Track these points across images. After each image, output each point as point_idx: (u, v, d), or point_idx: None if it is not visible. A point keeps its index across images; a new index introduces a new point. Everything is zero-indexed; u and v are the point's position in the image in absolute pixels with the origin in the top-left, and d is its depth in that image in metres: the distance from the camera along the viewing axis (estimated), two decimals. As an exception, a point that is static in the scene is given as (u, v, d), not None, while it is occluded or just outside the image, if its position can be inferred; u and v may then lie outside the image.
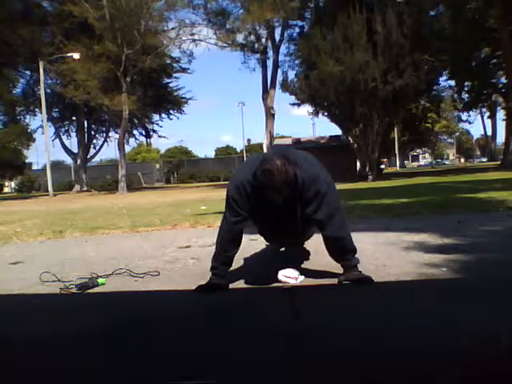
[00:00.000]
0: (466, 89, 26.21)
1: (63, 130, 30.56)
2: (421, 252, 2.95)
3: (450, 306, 1.84)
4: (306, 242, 2.93)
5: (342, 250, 2.26)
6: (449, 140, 72.59)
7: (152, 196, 16.87)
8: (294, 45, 24.14)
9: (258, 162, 2.14)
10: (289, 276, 2.35)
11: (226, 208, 2.31)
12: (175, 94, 30.08)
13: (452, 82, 26.66)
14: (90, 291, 2.48)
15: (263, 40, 25.36)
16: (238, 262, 2.56)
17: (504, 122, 24.44)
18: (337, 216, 2.22)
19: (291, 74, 36.18)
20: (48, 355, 1.58)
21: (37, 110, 28.00)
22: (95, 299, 2.39)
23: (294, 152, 2.30)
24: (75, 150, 30.45)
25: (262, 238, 2.90)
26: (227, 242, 2.28)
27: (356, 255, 2.28)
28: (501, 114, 35.03)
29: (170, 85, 30.09)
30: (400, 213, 5.25)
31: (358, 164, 22.38)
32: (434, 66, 19.01)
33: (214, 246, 2.34)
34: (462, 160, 63.35)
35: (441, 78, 24.21)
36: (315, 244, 2.81)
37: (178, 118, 31.76)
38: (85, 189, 28.95)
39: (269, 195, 2.08)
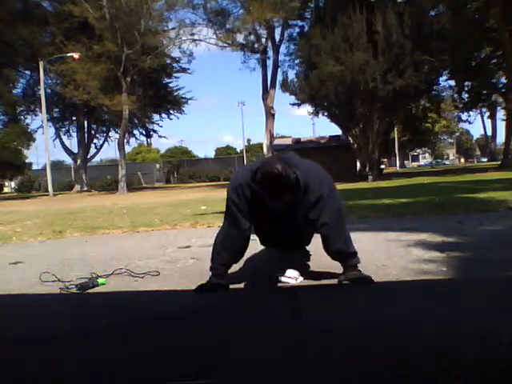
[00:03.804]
0: (466, 89, 26.20)
1: (63, 130, 30.59)
2: (421, 252, 2.95)
3: (450, 305, 1.84)
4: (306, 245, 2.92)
5: (342, 252, 2.26)
6: (449, 140, 72.61)
7: (152, 196, 16.87)
8: (293, 45, 24.12)
9: (258, 164, 2.13)
10: (289, 276, 2.35)
11: (225, 210, 2.31)
12: (175, 94, 30.06)
13: (452, 82, 26.65)
14: (90, 291, 2.48)
15: (263, 40, 25.37)
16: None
17: (504, 122, 24.48)
18: (338, 219, 2.22)
19: (291, 74, 36.24)
20: (48, 355, 1.58)
21: (37, 109, 27.98)
22: (95, 299, 2.39)
23: (296, 157, 2.29)
24: (75, 150, 30.45)
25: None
26: (226, 244, 2.28)
27: (356, 256, 2.28)
28: (501, 114, 35.13)
29: (170, 85, 30.10)
30: (400, 213, 5.25)
31: (358, 164, 22.37)
32: (434, 65, 18.99)
33: (212, 246, 2.34)
34: (462, 160, 63.33)
35: (441, 78, 24.18)
36: (315, 244, 2.80)
37: (178, 118, 31.81)
38: (85, 189, 28.95)
39: (269, 199, 2.07)
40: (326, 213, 2.18)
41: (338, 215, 2.23)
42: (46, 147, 24.42)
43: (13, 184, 41.63)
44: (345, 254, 2.25)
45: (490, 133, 45.93)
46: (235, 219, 2.23)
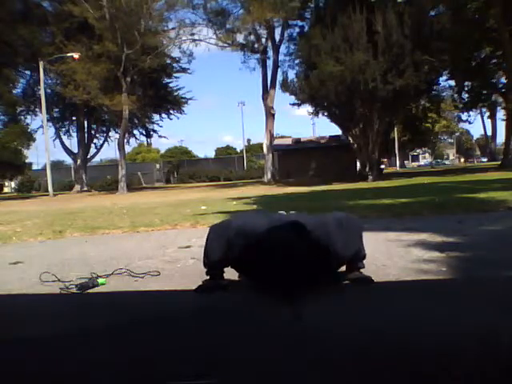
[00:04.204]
0: (466, 89, 26.21)
1: (63, 130, 30.59)
2: (421, 252, 2.95)
3: (450, 305, 1.84)
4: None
5: (355, 261, 2.28)
6: (449, 140, 72.59)
7: (152, 196, 16.87)
8: (293, 45, 24.12)
9: (268, 228, 2.04)
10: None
11: (215, 230, 2.27)
12: (175, 94, 30.06)
13: (452, 82, 26.67)
14: (90, 291, 2.48)
15: (263, 40, 25.33)
16: (238, 261, 2.56)
17: (504, 122, 24.48)
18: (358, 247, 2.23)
19: (291, 74, 36.18)
20: (48, 355, 1.58)
21: (37, 109, 28.00)
22: (95, 299, 2.39)
23: (305, 220, 2.17)
24: (75, 150, 30.45)
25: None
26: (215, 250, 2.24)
27: (363, 260, 2.30)
28: (501, 114, 35.11)
29: (170, 85, 30.10)
30: (400, 213, 5.25)
31: (358, 164, 22.38)
32: (434, 65, 18.99)
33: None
34: (462, 160, 63.33)
35: (441, 78, 24.19)
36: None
37: (178, 118, 31.81)
38: (85, 189, 28.95)
39: (270, 269, 1.98)
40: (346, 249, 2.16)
41: (356, 234, 2.24)
42: (46, 147, 24.46)
43: (13, 184, 41.64)
44: (356, 255, 2.26)
45: (490, 133, 45.96)
46: (219, 255, 2.19)
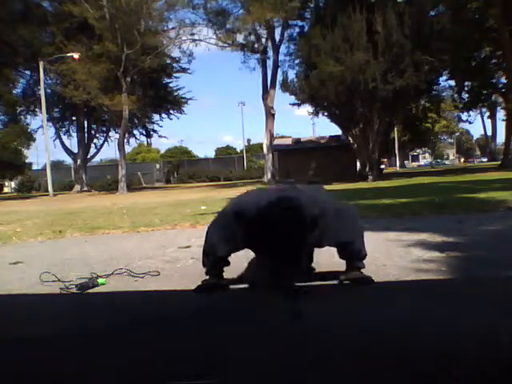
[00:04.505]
0: (466, 89, 26.21)
1: (63, 130, 30.61)
2: (421, 252, 2.95)
3: (450, 305, 1.84)
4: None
5: (351, 254, 2.25)
6: (449, 140, 72.59)
7: (152, 196, 16.87)
8: (293, 45, 24.14)
9: (265, 201, 2.03)
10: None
11: (218, 220, 2.26)
12: (175, 94, 30.09)
13: (452, 82, 26.69)
14: (90, 291, 2.48)
15: (263, 40, 25.35)
16: (238, 261, 2.56)
17: (504, 122, 24.48)
18: (356, 232, 2.21)
19: (291, 74, 36.15)
20: (48, 355, 1.58)
21: (37, 109, 28.01)
22: (95, 299, 2.39)
23: (301, 191, 2.20)
24: (75, 150, 30.47)
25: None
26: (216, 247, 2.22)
27: (363, 260, 2.28)
28: (501, 114, 35.10)
29: (170, 85, 30.15)
30: (400, 213, 5.25)
31: (358, 164, 22.38)
32: (434, 65, 19.00)
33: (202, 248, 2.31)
34: (462, 160, 63.34)
35: (441, 78, 24.21)
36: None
37: (178, 118, 31.84)
38: (85, 189, 28.95)
39: (272, 241, 1.98)
40: (343, 232, 2.15)
41: (356, 226, 2.22)
42: (46, 147, 24.47)
43: (13, 184, 41.63)
44: (356, 252, 2.23)
45: (490, 133, 45.98)
46: (225, 237, 2.16)
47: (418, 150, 65.78)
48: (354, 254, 2.23)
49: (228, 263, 2.31)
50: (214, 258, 2.23)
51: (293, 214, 1.94)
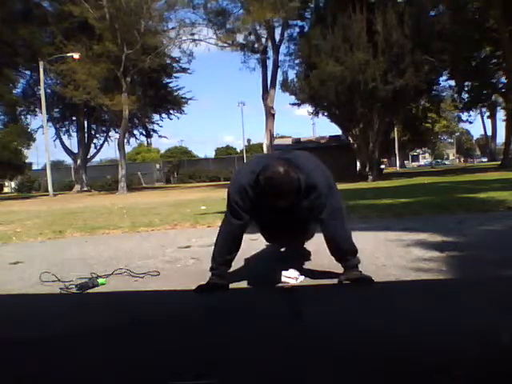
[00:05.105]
0: (466, 89, 26.22)
1: (63, 129, 30.59)
2: (421, 252, 2.95)
3: (450, 305, 1.84)
4: (306, 242, 2.93)
5: (342, 250, 2.27)
6: (449, 140, 72.59)
7: (152, 196, 16.86)
8: (294, 45, 24.14)
9: (261, 166, 2.12)
10: (289, 276, 2.35)
11: (227, 210, 2.31)
12: (175, 93, 30.07)
13: (452, 82, 26.70)
14: (90, 291, 2.48)
15: (263, 40, 25.35)
16: (238, 261, 2.56)
17: (504, 122, 24.48)
18: (338, 217, 2.24)
19: (291, 74, 36.18)
20: (48, 355, 1.58)
21: (37, 109, 28.00)
22: (95, 299, 2.39)
23: (296, 155, 2.29)
24: (75, 150, 30.43)
25: (262, 238, 2.90)
26: (228, 244, 2.28)
27: (357, 256, 2.28)
28: (501, 114, 35.14)
29: (170, 85, 30.11)
30: (400, 213, 5.25)
31: (358, 164, 22.37)
32: (434, 65, 19.00)
33: (214, 246, 2.34)
34: (462, 160, 63.33)
35: (441, 78, 24.23)
36: (315, 244, 2.80)
37: (178, 118, 31.83)
38: (85, 189, 28.95)
39: (271, 201, 2.09)
40: (327, 211, 2.20)
41: (339, 213, 2.25)
42: (46, 147, 24.45)
43: (13, 184, 41.61)
44: (345, 252, 2.26)
45: (490, 133, 45.95)
46: (237, 215, 2.24)
47: (418, 150, 65.77)
48: (344, 245, 2.26)
49: (230, 263, 2.32)
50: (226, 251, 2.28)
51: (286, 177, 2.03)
